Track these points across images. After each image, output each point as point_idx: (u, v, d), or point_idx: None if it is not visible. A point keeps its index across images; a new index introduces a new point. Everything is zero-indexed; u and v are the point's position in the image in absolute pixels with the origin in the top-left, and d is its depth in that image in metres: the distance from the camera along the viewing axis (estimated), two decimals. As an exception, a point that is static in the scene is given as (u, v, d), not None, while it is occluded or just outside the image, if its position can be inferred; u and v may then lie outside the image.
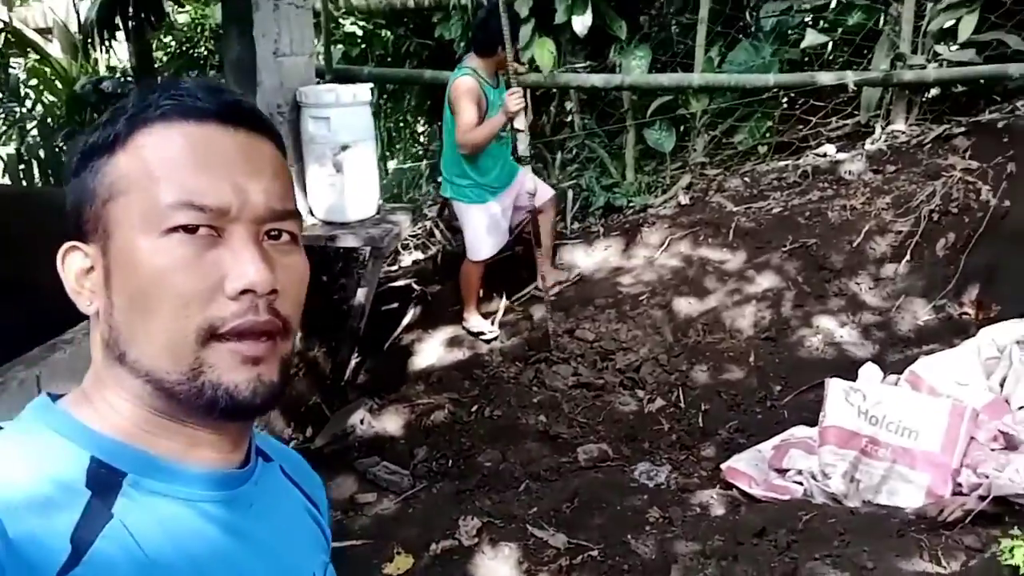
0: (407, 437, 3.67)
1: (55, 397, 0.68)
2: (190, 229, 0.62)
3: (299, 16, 3.84)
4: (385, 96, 6.39)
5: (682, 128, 5.03)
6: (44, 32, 6.73)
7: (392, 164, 6.45)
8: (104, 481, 0.62)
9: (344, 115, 3.69)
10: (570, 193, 4.98)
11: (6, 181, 6.15)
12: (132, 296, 0.63)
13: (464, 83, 3.86)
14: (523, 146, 3.93)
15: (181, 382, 0.63)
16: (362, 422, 3.76)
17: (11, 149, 6.16)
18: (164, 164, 0.63)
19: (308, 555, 0.78)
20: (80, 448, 0.64)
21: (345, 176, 3.76)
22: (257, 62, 3.65)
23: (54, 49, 6.36)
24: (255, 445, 0.75)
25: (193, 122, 0.64)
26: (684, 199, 4.79)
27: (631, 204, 4.95)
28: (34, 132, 6.02)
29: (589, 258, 4.74)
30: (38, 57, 6.09)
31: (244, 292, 0.62)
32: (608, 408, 3.75)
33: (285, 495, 0.79)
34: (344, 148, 3.70)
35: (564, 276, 4.48)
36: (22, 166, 5.97)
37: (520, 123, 3.84)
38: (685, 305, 4.23)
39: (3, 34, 5.96)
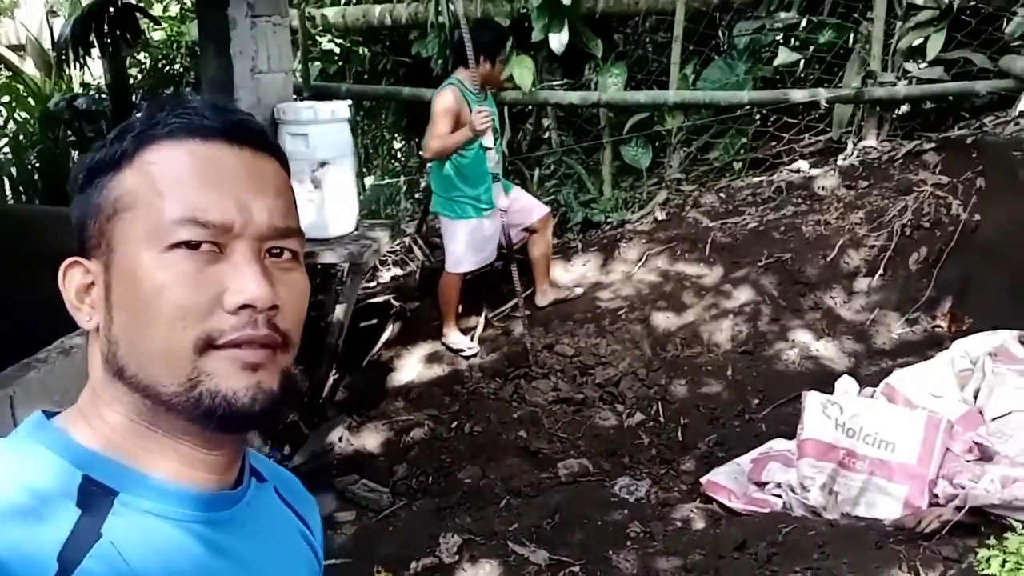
0: (386, 454, 3.65)
1: (50, 415, 0.68)
2: (193, 245, 0.63)
3: (277, 34, 3.84)
4: (362, 113, 6.40)
5: (658, 144, 5.08)
6: (17, 49, 6.66)
7: (369, 180, 6.45)
8: (95, 500, 0.62)
9: (322, 132, 3.70)
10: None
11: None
12: (132, 310, 0.63)
13: (442, 96, 3.92)
14: (492, 164, 3.95)
15: (179, 393, 0.63)
16: (341, 439, 3.74)
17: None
18: (170, 181, 0.64)
19: None
20: (72, 466, 0.63)
21: (324, 192, 3.75)
22: (235, 79, 3.65)
23: (28, 66, 6.30)
24: (249, 465, 0.75)
25: (199, 140, 0.65)
26: (661, 215, 4.82)
27: (609, 220, 4.98)
28: (6, 150, 5.95)
29: (568, 274, 4.76)
30: (10, 74, 6.02)
31: (244, 307, 0.63)
32: (588, 423, 3.76)
33: (278, 517, 0.78)
34: (323, 164, 3.70)
35: (564, 294, 4.47)
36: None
37: (488, 141, 3.86)
38: (663, 320, 4.25)
39: (-25, 51, 5.93)
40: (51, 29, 6.19)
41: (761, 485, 2.90)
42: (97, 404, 0.67)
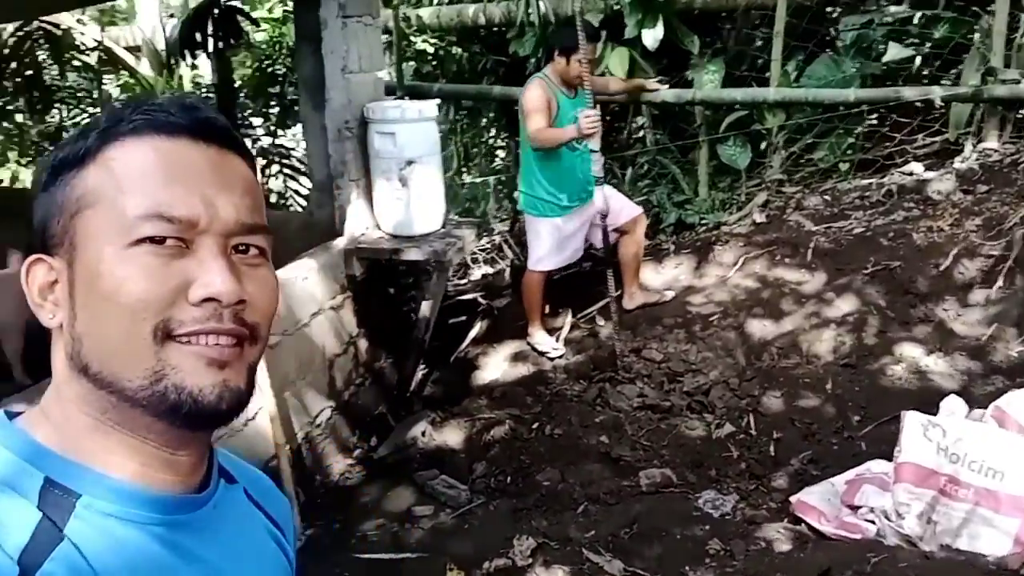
0: (467, 451, 3.64)
1: (12, 415, 0.67)
2: (158, 240, 0.62)
3: (368, 34, 3.89)
4: (464, 112, 6.46)
5: (760, 144, 4.87)
6: (134, 50, 7.07)
7: (468, 179, 6.49)
8: (56, 502, 0.62)
9: (410, 131, 3.72)
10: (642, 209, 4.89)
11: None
12: (95, 306, 0.63)
13: (529, 94, 3.91)
14: (597, 167, 3.89)
15: (144, 387, 0.62)
16: (423, 434, 3.76)
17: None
18: (134, 177, 0.64)
19: None
20: (33, 468, 0.63)
21: (411, 190, 3.78)
22: (326, 79, 3.72)
23: (144, 67, 6.67)
24: (218, 466, 0.75)
25: (164, 136, 0.65)
26: (760, 217, 4.63)
27: (704, 221, 4.82)
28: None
29: (659, 276, 4.63)
30: (127, 75, 6.39)
31: (209, 300, 0.62)
32: (674, 432, 3.64)
33: (247, 518, 0.78)
34: (409, 163, 3.73)
35: (654, 297, 4.36)
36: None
37: (595, 144, 3.81)
38: (759, 327, 4.08)
39: (97, 52, 6.30)
40: (165, 32, 6.52)
41: (854, 508, 2.72)
42: (60, 404, 0.66)
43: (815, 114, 4.62)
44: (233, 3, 4.89)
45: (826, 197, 4.59)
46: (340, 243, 3.82)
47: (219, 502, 0.72)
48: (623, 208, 4.24)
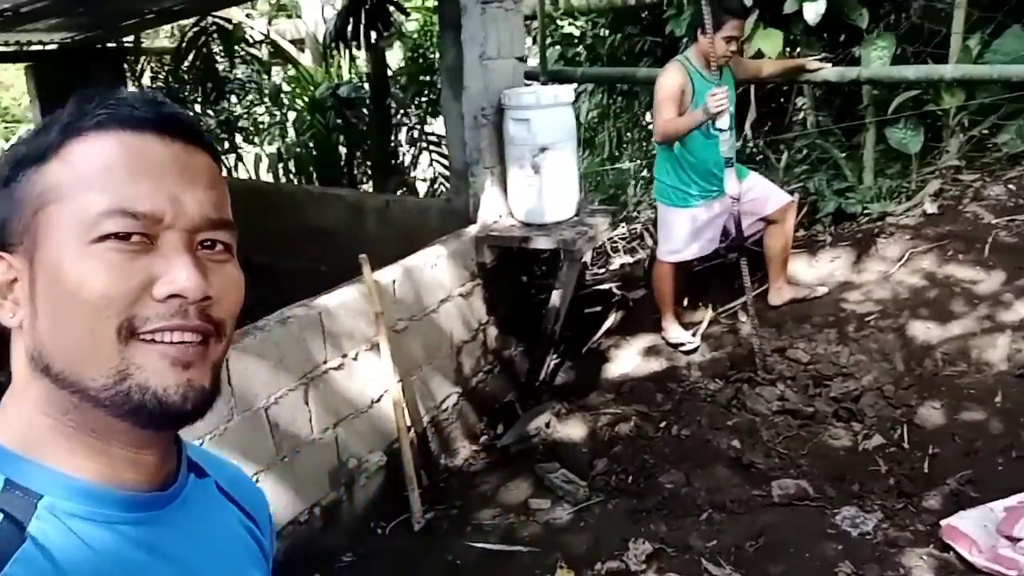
0: (589, 446, 3.55)
1: None
2: (122, 236, 0.61)
3: (508, 19, 3.85)
4: (620, 96, 6.30)
5: (932, 126, 4.39)
6: (298, 43, 7.49)
7: (621, 165, 6.35)
8: (18, 503, 0.61)
9: (544, 116, 3.65)
10: (795, 197, 4.55)
11: (269, 178, 6.92)
12: (57, 304, 0.62)
13: (661, 80, 3.73)
14: (726, 147, 3.65)
15: (107, 387, 0.61)
16: (547, 425, 3.71)
17: (274, 148, 6.95)
18: (97, 172, 0.62)
19: (238, 572, 0.76)
20: None
21: (543, 178, 3.72)
22: (464, 66, 3.72)
23: (306, 59, 7.05)
24: (187, 459, 0.74)
25: (129, 131, 0.64)
26: (931, 207, 4.18)
27: (867, 211, 4.41)
28: (292, 134, 6.72)
29: (811, 270, 4.30)
30: (291, 67, 6.78)
31: (174, 297, 0.62)
32: (815, 440, 3.37)
33: (219, 512, 0.77)
34: (543, 150, 3.66)
35: (803, 292, 4.06)
36: (281, 164, 6.70)
37: (723, 122, 3.57)
38: (922, 330, 3.69)
39: (264, 45, 6.73)
40: (326, 24, 6.84)
41: (1013, 540, 2.38)
42: (21, 404, 0.66)
43: (1001, 93, 4.08)
44: (385, -7, 5.05)
45: (1010, 186, 4.06)
46: (472, 230, 3.83)
47: (188, 497, 0.71)
48: (770, 195, 3.96)
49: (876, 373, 3.63)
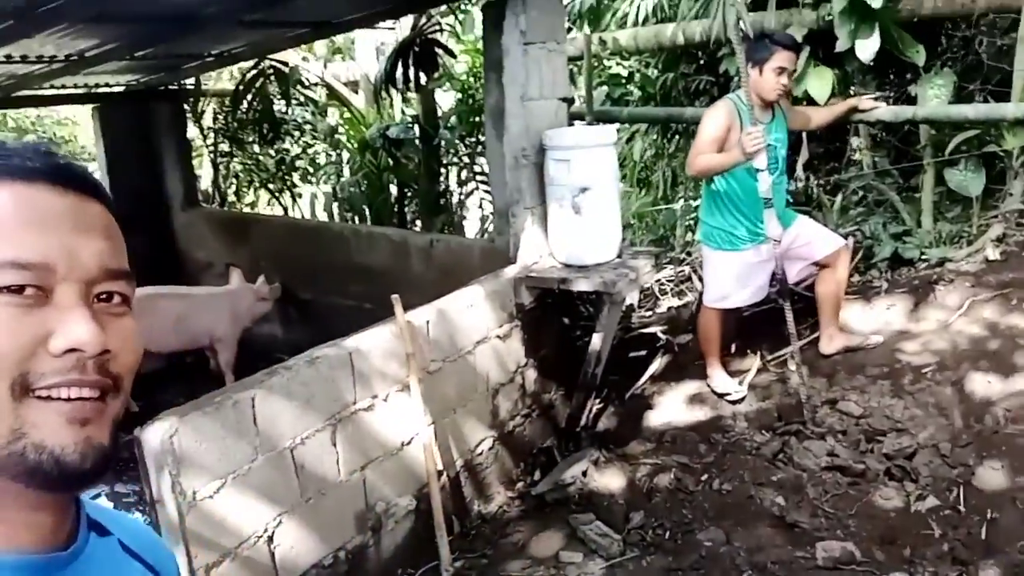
0: (626, 498, 3.44)
1: None
2: (15, 289, 0.60)
3: (551, 60, 3.84)
4: (676, 135, 6.23)
5: (996, 168, 4.19)
6: (352, 85, 7.67)
7: (673, 206, 6.25)
8: None
9: (585, 157, 3.60)
10: (850, 241, 4.39)
11: (324, 216, 7.05)
12: None
13: (708, 116, 3.67)
14: (763, 188, 3.54)
15: (1, 446, 0.59)
16: (584, 474, 3.60)
17: (328, 188, 7.10)
18: None
19: None
20: None
21: (584, 219, 3.66)
22: (506, 107, 3.71)
23: (359, 100, 7.20)
24: (87, 518, 0.72)
25: (21, 182, 0.62)
26: (993, 254, 3.98)
27: (924, 257, 4.23)
28: (346, 174, 6.85)
29: (866, 318, 4.12)
30: (346, 108, 6.93)
31: (71, 351, 0.60)
32: (864, 500, 3.19)
33: (121, 570, 0.75)
34: (583, 190, 3.61)
35: (857, 341, 3.89)
36: (336, 203, 6.83)
37: (760, 162, 3.47)
38: (983, 384, 3.48)
39: (320, 87, 6.91)
40: (378, 66, 6.97)
41: (1079, 624, 2.18)
42: None
43: (1071, 133, 3.88)
44: (433, 36, 5.11)
45: (1082, 232, 3.84)
46: (510, 271, 3.79)
47: (90, 556, 0.69)
48: (821, 239, 3.82)
49: (932, 429, 3.43)
